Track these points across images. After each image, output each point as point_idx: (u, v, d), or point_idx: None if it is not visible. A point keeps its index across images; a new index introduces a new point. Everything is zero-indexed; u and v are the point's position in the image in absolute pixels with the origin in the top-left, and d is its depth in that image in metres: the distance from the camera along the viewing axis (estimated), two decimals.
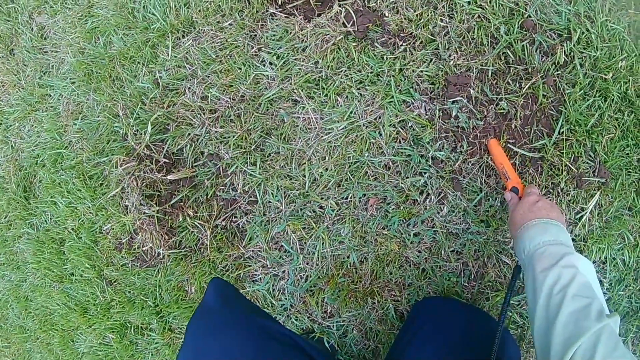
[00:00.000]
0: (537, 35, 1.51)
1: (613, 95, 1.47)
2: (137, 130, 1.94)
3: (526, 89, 1.50)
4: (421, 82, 1.57)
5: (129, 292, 2.08)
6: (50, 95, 2.29)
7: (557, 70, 1.50)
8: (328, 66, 1.66)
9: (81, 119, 2.14)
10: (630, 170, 1.50)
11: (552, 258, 0.97)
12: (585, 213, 1.49)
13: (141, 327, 2.13)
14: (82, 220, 2.15)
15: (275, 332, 1.11)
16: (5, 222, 2.49)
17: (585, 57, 1.50)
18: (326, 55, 1.66)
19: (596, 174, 1.48)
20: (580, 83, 1.48)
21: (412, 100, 1.57)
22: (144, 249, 1.93)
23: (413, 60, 1.58)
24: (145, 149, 1.85)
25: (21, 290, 2.51)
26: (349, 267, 1.65)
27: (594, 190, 1.50)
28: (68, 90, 2.21)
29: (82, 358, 2.36)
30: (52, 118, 2.26)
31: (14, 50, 2.50)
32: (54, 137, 2.24)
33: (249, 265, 1.76)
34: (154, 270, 1.97)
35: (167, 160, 1.85)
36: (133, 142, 1.88)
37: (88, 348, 2.30)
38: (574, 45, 1.49)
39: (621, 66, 1.49)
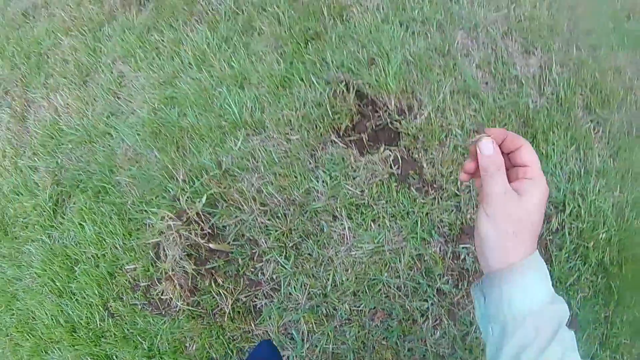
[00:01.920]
0: None
1: (591, 260, 1.98)
2: (189, 197, 2.28)
3: None
4: (441, 227, 2.05)
5: (128, 329, 2.29)
6: (112, 136, 2.61)
7: (550, 235, 2.02)
8: (371, 196, 2.12)
9: (137, 168, 2.47)
10: (596, 325, 1.94)
11: (549, 329, 0.69)
12: None
13: None
14: (106, 252, 2.39)
15: None
16: (24, 222, 2.67)
17: (573, 227, 2.03)
18: (372, 187, 2.13)
19: (568, 324, 1.93)
20: (567, 248, 1.99)
21: (431, 240, 2.03)
22: (162, 297, 2.21)
23: (438, 208, 2.07)
24: (195, 215, 2.19)
25: (11, 286, 2.61)
26: None
27: None
28: (132, 139, 2.54)
29: None
30: (108, 155, 2.56)
31: (88, 83, 2.83)
32: (104, 171, 2.53)
33: (254, 342, 2.09)
34: (162, 319, 2.23)
35: (210, 231, 2.20)
36: (185, 206, 2.22)
37: None
38: (566, 217, 2.03)
39: (601, 237, 2.00)
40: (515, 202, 0.69)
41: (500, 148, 0.73)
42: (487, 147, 0.71)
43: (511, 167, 0.74)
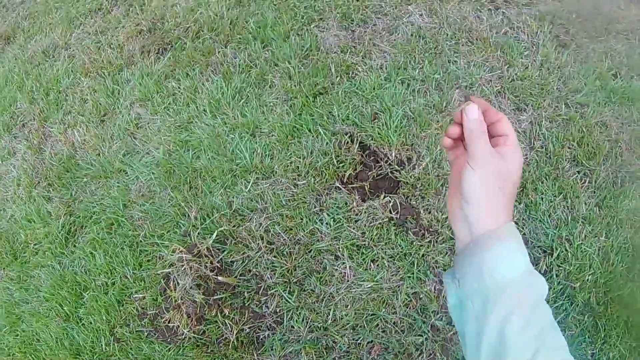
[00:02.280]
0: (527, 249, 2.21)
1: (578, 300, 2.15)
2: (200, 232, 2.45)
3: None
4: (436, 267, 2.24)
5: (133, 355, 2.39)
6: (127, 173, 2.78)
7: None
8: (371, 238, 2.31)
9: (150, 204, 2.63)
10: None
11: (530, 299, 0.70)
12: None
13: None
14: (116, 281, 2.52)
15: None
16: (35, 247, 2.78)
17: (561, 269, 2.21)
18: (372, 230, 2.32)
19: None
20: (554, 289, 2.17)
21: (427, 279, 2.22)
22: (169, 324, 2.34)
23: (434, 250, 2.26)
24: (205, 249, 2.35)
25: (17, 308, 2.69)
26: None
27: None
28: (146, 177, 2.72)
29: None
30: (122, 191, 2.72)
31: (106, 122, 3.02)
32: (118, 205, 2.68)
33: None
34: (167, 346, 2.35)
35: (219, 265, 2.36)
36: (196, 240, 2.39)
37: None
38: (554, 260, 2.22)
39: (587, 279, 2.18)
40: (499, 161, 0.73)
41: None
42: (473, 111, 0.76)
43: (490, 137, 0.78)
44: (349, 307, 2.21)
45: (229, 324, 2.27)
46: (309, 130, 2.61)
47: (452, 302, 0.78)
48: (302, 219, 2.40)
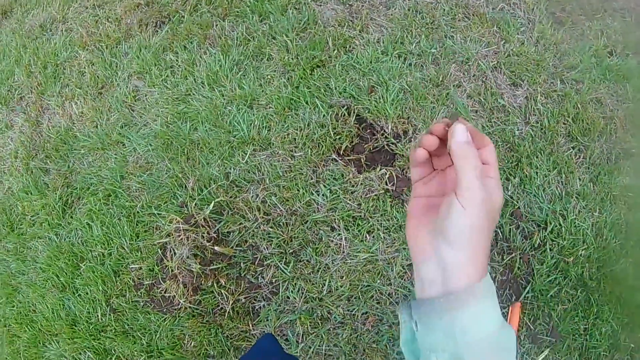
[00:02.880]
0: (522, 222, 2.25)
1: (571, 275, 2.16)
2: (197, 203, 2.46)
3: (506, 261, 2.19)
4: None
5: (129, 325, 2.41)
6: (124, 145, 2.78)
7: (532, 251, 2.21)
8: (367, 210, 2.31)
9: (147, 175, 2.63)
10: (576, 336, 2.10)
11: (506, 356, 0.64)
12: None
13: (125, 358, 2.44)
14: (112, 251, 2.53)
15: None
16: (31, 219, 2.80)
17: (554, 243, 2.22)
18: (368, 201, 2.33)
19: (549, 334, 2.10)
20: (548, 262, 2.18)
21: None
22: (165, 294, 2.36)
23: None
24: (202, 220, 2.36)
25: (14, 279, 2.72)
26: None
27: (545, 347, 2.09)
28: (143, 148, 2.72)
29: None
30: (119, 162, 2.73)
31: (103, 94, 3.01)
32: (115, 176, 2.69)
33: (251, 341, 2.23)
34: (163, 316, 2.36)
35: (215, 236, 2.36)
36: (193, 212, 2.39)
37: (58, 357, 2.52)
38: (547, 234, 2.23)
39: (581, 254, 2.19)
40: (488, 197, 0.62)
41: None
42: (462, 133, 0.63)
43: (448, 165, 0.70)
44: (344, 278, 2.22)
45: (225, 294, 2.28)
46: (306, 103, 2.60)
47: (405, 337, 0.69)
48: (298, 190, 2.40)
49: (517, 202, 2.30)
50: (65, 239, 2.67)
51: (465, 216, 0.60)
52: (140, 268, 2.45)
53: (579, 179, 2.37)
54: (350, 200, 2.33)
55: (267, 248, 2.32)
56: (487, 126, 2.47)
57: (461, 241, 0.61)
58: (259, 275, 2.31)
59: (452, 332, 0.61)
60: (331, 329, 2.18)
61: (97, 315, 2.47)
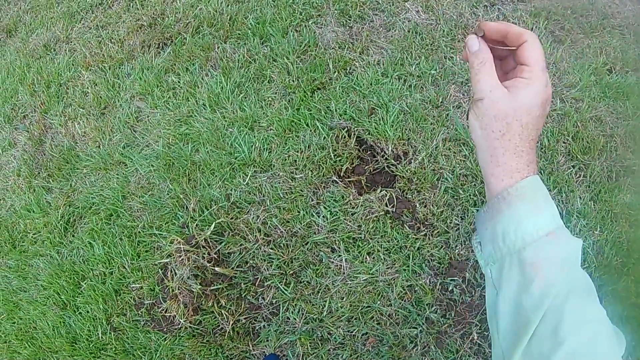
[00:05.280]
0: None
1: None
2: (198, 224, 2.48)
3: None
4: (431, 260, 2.26)
5: (129, 344, 2.43)
6: (127, 165, 2.82)
7: None
8: (367, 231, 2.34)
9: (149, 196, 2.66)
10: None
11: (552, 267, 0.59)
12: None
13: None
14: (113, 270, 2.55)
15: None
16: (34, 237, 2.82)
17: None
18: (368, 223, 2.35)
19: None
20: None
21: (422, 272, 2.25)
22: (166, 314, 2.37)
23: (429, 244, 2.29)
24: (203, 240, 2.38)
25: (15, 296, 2.74)
26: None
27: None
28: (145, 169, 2.75)
29: None
30: (121, 182, 2.76)
31: (106, 115, 3.05)
32: (117, 196, 2.71)
33: None
34: (163, 336, 2.38)
35: (216, 256, 2.39)
36: (194, 232, 2.42)
37: None
38: None
39: None
40: (503, 100, 0.63)
41: (505, 43, 0.67)
42: (472, 44, 0.67)
43: (514, 66, 0.68)
44: (344, 299, 2.24)
45: (225, 314, 2.30)
46: (307, 125, 2.63)
47: (481, 264, 0.70)
48: (299, 211, 2.43)
49: None
50: (66, 257, 2.69)
51: (476, 121, 0.66)
52: (141, 287, 2.47)
53: (580, 198, 2.39)
54: (350, 221, 2.36)
55: (267, 269, 2.34)
56: None
57: (478, 144, 0.66)
58: (259, 296, 2.33)
59: (496, 239, 0.64)
60: (331, 349, 2.19)
61: (98, 334, 2.48)
